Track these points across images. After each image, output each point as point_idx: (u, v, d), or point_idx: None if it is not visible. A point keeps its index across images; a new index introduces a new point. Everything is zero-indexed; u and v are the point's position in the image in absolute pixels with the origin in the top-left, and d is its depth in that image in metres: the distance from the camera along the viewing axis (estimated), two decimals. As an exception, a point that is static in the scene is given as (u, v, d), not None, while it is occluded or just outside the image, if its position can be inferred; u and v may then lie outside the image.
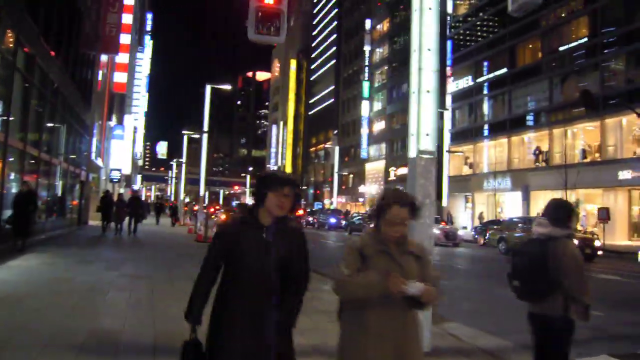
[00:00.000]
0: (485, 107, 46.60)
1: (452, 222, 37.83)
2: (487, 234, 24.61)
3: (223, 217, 31.75)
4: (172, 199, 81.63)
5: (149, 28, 75.51)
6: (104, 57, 32.98)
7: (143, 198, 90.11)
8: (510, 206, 42.14)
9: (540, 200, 37.34)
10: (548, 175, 37.00)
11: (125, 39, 35.85)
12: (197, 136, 65.34)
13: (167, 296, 8.06)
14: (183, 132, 41.59)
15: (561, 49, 38.23)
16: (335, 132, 79.48)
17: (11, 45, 13.72)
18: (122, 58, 35.98)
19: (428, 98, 6.07)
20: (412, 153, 6.06)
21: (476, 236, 29.85)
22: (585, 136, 37.35)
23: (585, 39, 36.17)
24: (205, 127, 32.49)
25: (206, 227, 21.99)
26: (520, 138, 42.40)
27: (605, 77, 34.69)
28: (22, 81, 15.15)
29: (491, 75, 45.13)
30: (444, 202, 40.22)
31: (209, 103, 32.44)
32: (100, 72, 32.98)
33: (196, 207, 69.34)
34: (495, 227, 25.79)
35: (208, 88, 32.11)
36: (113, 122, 38.67)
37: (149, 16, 75.05)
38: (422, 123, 6.01)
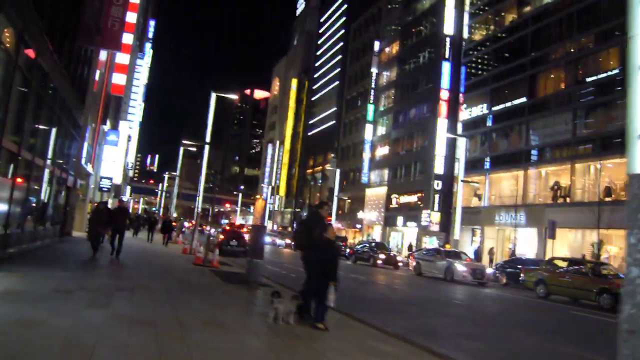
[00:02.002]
0: (500, 137, 44.38)
1: (480, 258, 34.90)
2: (522, 275, 21.99)
3: (221, 237, 29.04)
4: (161, 213, 78.57)
5: (150, 35, 73.14)
6: (102, 56, 30.46)
7: (130, 210, 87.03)
8: (524, 242, 39.62)
9: (560, 238, 34.91)
10: (570, 212, 34.68)
11: (127, 38, 33.40)
12: (192, 149, 62.78)
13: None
14: (183, 142, 38.79)
15: (588, 79, 36.13)
16: (333, 155, 77.10)
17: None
18: (123, 58, 33.49)
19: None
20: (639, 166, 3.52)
21: (497, 274, 27.24)
22: (610, 173, 34.99)
23: (617, 70, 34.07)
24: (208, 138, 29.89)
25: (207, 249, 19.28)
26: (538, 171, 40.08)
27: None
28: (6, 62, 12.50)
29: (508, 104, 42.93)
30: (456, 235, 37.65)
31: (211, 114, 29.96)
32: (98, 72, 30.40)
33: (187, 224, 66.32)
34: (532, 267, 23.12)
35: (213, 96, 29.65)
36: (107, 127, 35.97)
37: (152, 23, 72.72)
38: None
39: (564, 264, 20.81)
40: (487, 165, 44.49)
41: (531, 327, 12.85)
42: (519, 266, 26.23)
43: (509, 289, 24.64)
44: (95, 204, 19.41)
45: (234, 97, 31.67)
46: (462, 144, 38.43)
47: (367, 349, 7.45)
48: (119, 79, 33.67)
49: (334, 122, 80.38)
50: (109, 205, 18.33)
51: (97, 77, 30.31)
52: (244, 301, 10.78)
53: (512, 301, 18.74)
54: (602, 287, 17.54)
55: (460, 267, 24.42)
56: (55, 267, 12.48)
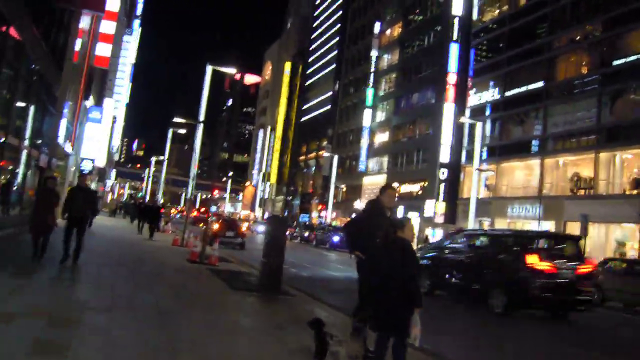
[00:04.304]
0: (513, 124, 41.50)
1: None
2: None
3: (216, 226, 25.96)
4: (147, 199, 75.17)
5: (139, 13, 69.19)
6: (84, 24, 27.07)
7: (112, 195, 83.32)
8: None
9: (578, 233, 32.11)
10: (594, 206, 31.88)
11: (113, 4, 30.07)
12: (181, 132, 59.45)
13: None
14: (173, 121, 35.38)
15: (615, 63, 33.25)
16: (326, 142, 74.08)
17: None
18: (108, 27, 30.11)
19: None
20: None
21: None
22: (639, 164, 32.28)
23: (647, 53, 31.25)
24: (202, 117, 26.72)
25: (204, 242, 16.19)
26: (555, 161, 37.27)
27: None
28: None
29: (523, 89, 39.95)
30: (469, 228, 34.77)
31: (206, 90, 26.81)
32: (79, 41, 27.01)
33: (173, 210, 62.86)
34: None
35: (209, 69, 26.46)
36: (90, 103, 32.61)
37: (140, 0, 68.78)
38: None
39: (621, 266, 18.00)
40: (498, 153, 41.60)
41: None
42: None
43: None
44: (44, 180, 13.90)
45: (231, 71, 28.52)
46: (477, 130, 35.47)
47: None
48: (103, 49, 30.27)
49: (329, 107, 77.18)
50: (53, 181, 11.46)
51: (78, 47, 26.95)
52: (268, 323, 7.77)
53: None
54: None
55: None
56: (6, 270, 9.28)
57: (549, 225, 36.08)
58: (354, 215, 9.04)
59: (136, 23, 67.32)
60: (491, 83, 43.48)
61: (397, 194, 7.81)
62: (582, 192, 35.14)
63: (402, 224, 5.98)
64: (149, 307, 7.56)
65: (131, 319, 6.74)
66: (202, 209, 72.41)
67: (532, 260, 11.98)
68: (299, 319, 7.67)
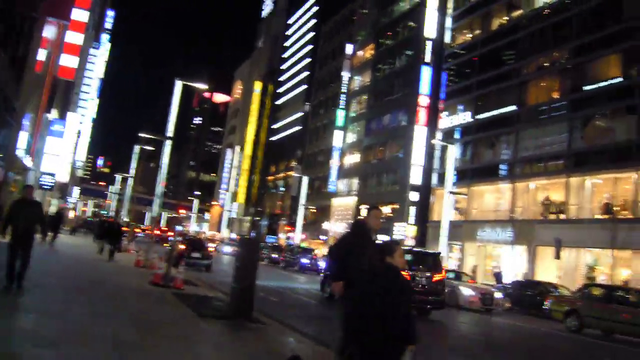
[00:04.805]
0: (484, 147, 41.54)
1: (501, 279, 31.94)
2: (547, 302, 18.74)
3: (182, 246, 24.89)
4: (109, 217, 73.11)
5: (108, 27, 67.97)
6: (49, 33, 26.01)
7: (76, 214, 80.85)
8: (509, 261, 36.64)
9: (550, 257, 32.00)
10: (564, 230, 31.81)
11: (80, 14, 29.02)
12: (149, 149, 58.18)
13: None
14: (141, 135, 34.25)
15: (585, 88, 33.48)
16: (295, 163, 73.53)
17: None
18: (74, 37, 28.99)
19: None
20: None
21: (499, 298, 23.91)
22: (609, 189, 32.38)
23: (619, 79, 31.49)
24: (171, 132, 25.84)
25: (169, 263, 15.23)
26: (526, 185, 37.26)
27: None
28: None
29: (495, 113, 40.03)
30: (442, 251, 34.37)
31: (175, 105, 26.01)
32: (44, 51, 25.94)
33: (138, 230, 61.21)
34: (557, 293, 19.85)
35: (178, 84, 25.73)
36: (52, 116, 31.32)
37: (110, 14, 67.59)
38: None
39: (599, 293, 17.57)
40: (469, 176, 41.48)
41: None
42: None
43: (520, 316, 21.40)
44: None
45: (201, 86, 27.75)
46: (450, 152, 35.37)
47: None
48: (68, 60, 29.09)
49: (299, 127, 76.76)
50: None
51: (42, 57, 25.88)
52: (241, 358, 6.95)
53: (566, 339, 15.38)
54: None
55: (466, 290, 20.93)
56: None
57: (520, 249, 35.94)
58: (337, 238, 8.24)
59: (105, 37, 66.07)
60: (462, 106, 43.58)
61: (380, 214, 6.99)
62: (553, 216, 35.11)
63: (392, 250, 5.23)
64: (106, 340, 6.66)
65: (84, 354, 5.86)
66: (165, 227, 70.65)
67: None
68: (273, 352, 6.89)
